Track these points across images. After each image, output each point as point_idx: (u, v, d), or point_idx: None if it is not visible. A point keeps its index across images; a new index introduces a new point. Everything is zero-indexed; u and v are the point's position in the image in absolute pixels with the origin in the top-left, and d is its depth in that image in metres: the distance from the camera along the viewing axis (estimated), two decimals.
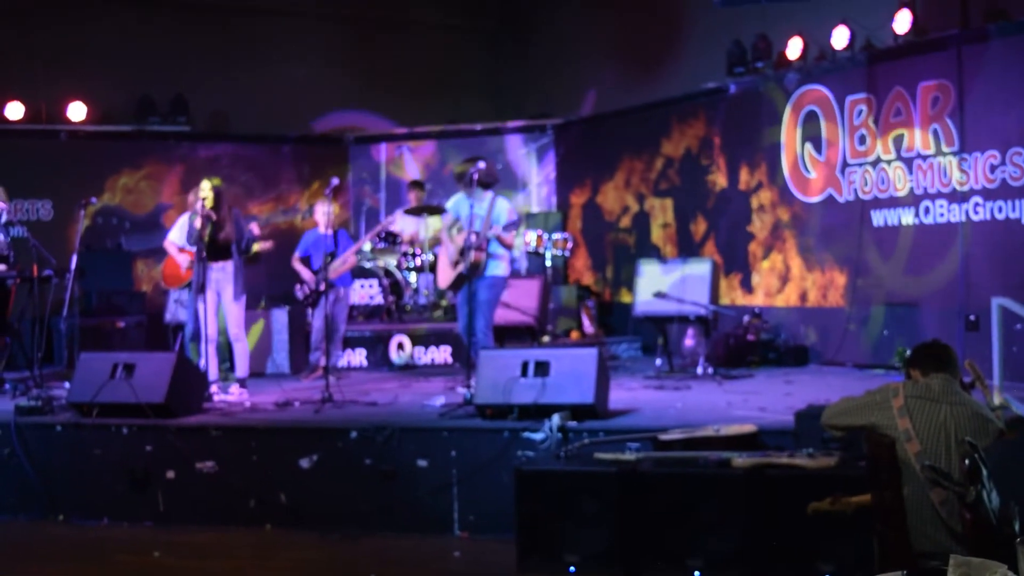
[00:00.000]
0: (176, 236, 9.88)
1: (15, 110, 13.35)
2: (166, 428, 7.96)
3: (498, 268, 9.11)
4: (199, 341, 9.13)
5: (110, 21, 14.03)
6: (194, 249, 9.18)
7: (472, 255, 8.84)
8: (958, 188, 9.66)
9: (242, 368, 9.56)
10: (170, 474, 7.87)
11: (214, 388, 9.20)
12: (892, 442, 4.44)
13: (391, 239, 12.75)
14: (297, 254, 10.74)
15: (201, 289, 8.97)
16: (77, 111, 13.59)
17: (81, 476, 8.08)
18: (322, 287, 10.30)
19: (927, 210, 9.98)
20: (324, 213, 10.72)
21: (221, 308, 9.34)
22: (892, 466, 4.43)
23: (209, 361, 9.19)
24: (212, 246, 9.11)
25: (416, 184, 13.58)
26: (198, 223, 9.06)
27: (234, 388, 9.45)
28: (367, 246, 12.60)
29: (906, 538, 4.40)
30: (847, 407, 4.76)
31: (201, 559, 7.11)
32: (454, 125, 15.12)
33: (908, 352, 4.88)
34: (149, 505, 7.88)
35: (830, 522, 5.18)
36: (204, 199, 9.08)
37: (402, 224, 13.03)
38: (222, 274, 9.26)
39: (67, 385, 8.90)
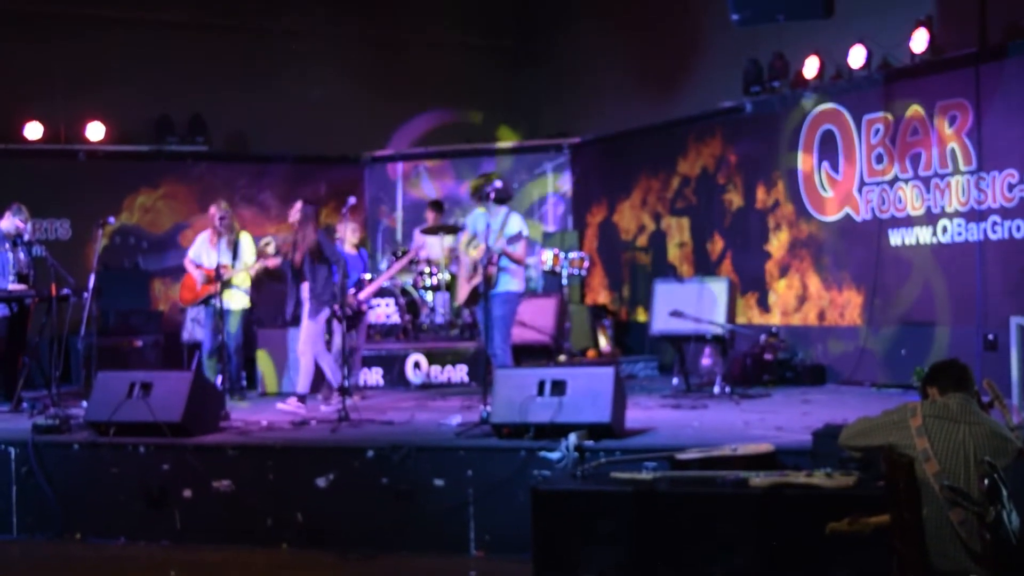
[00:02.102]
0: (194, 253, 10.10)
1: (34, 130, 13.44)
2: (183, 447, 7.97)
3: (511, 284, 9.03)
4: (217, 358, 9.25)
5: (128, 42, 14.12)
6: (211, 267, 9.84)
7: (485, 269, 8.84)
8: (976, 207, 9.63)
9: (302, 384, 9.71)
10: (187, 493, 7.87)
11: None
12: (910, 462, 4.42)
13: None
14: None
15: (295, 307, 9.75)
16: (95, 131, 13.68)
17: (98, 495, 8.08)
18: (364, 307, 10.30)
19: (944, 229, 9.95)
20: (353, 231, 10.81)
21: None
22: (910, 486, 4.40)
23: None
24: (295, 266, 9.65)
25: (435, 204, 13.56)
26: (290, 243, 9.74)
27: (291, 400, 9.58)
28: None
29: (925, 558, 4.37)
30: (865, 427, 4.74)
31: None
32: (471, 144, 15.15)
33: (926, 371, 4.85)
34: (166, 524, 7.87)
35: (848, 542, 5.15)
36: (293, 220, 9.73)
37: (420, 243, 13.02)
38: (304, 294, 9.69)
39: (84, 404, 8.91)
